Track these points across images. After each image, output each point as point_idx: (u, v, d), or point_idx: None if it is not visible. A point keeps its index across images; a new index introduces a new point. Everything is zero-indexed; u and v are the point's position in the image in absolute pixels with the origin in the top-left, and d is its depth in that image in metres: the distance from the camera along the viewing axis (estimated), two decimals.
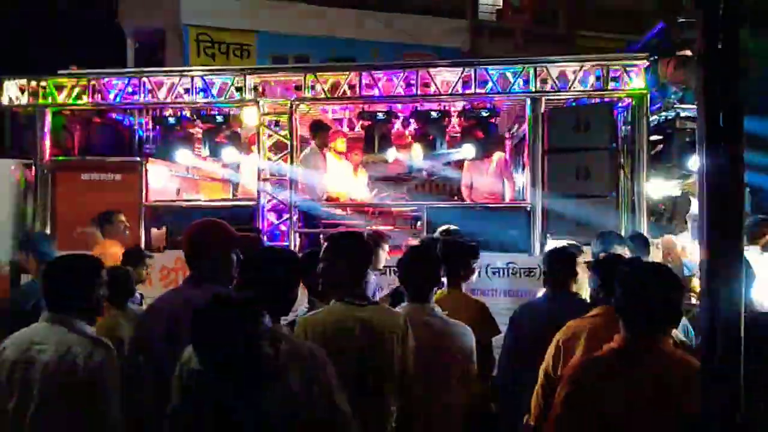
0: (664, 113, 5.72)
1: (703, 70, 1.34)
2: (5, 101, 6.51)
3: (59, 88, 6.51)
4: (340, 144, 7.35)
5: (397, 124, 6.90)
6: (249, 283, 2.15)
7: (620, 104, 6.03)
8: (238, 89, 6.28)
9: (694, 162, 5.57)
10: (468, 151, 6.39)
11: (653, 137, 5.82)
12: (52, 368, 2.26)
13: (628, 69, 5.74)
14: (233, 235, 2.62)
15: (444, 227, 4.94)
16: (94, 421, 2.27)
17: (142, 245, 6.10)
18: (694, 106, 5.85)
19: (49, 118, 6.53)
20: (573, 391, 1.94)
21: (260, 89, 6.32)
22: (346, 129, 7.85)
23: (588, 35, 14.02)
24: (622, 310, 2.03)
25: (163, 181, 6.91)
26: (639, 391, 1.87)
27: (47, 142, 6.52)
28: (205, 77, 6.35)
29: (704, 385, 1.32)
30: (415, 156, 6.63)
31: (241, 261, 2.35)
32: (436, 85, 6.04)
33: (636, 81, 5.74)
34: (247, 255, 2.32)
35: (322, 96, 6.20)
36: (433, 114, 6.32)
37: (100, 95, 6.46)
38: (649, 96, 5.69)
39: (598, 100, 6.06)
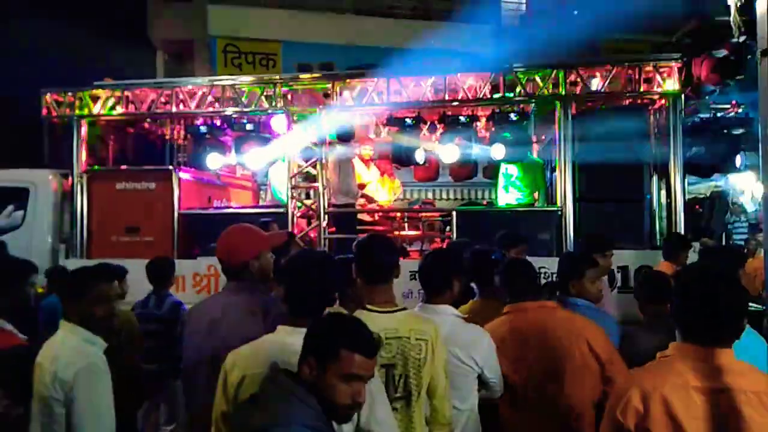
0: (700, 115, 5.61)
1: None
2: (44, 113, 6.70)
3: (94, 99, 6.68)
4: (367, 150, 7.38)
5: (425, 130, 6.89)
6: (286, 286, 2.14)
7: (653, 106, 5.93)
8: (267, 98, 6.36)
9: (739, 161, 5.45)
10: (498, 151, 6.34)
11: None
12: None
13: (660, 70, 5.65)
14: (264, 238, 2.65)
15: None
16: None
17: (175, 253, 6.20)
18: (728, 106, 5.75)
19: (85, 129, 6.70)
20: None
21: (289, 97, 6.39)
22: (372, 135, 7.88)
23: (613, 38, 13.82)
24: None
25: (194, 189, 7.02)
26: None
27: (83, 153, 6.68)
28: (234, 86, 6.45)
29: None
30: (445, 158, 6.60)
31: (279, 264, 2.35)
32: (464, 90, 6.03)
33: (669, 82, 5.65)
34: (286, 258, 2.32)
35: (350, 103, 6.24)
36: (462, 119, 6.30)
37: (133, 106, 6.61)
38: (683, 97, 5.58)
39: (629, 102, 5.97)
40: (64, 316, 2.46)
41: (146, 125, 7.25)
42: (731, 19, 1.72)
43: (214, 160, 6.79)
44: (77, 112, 6.67)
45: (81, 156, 6.66)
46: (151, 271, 4.66)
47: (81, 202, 6.55)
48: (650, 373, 1.90)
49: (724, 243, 6.95)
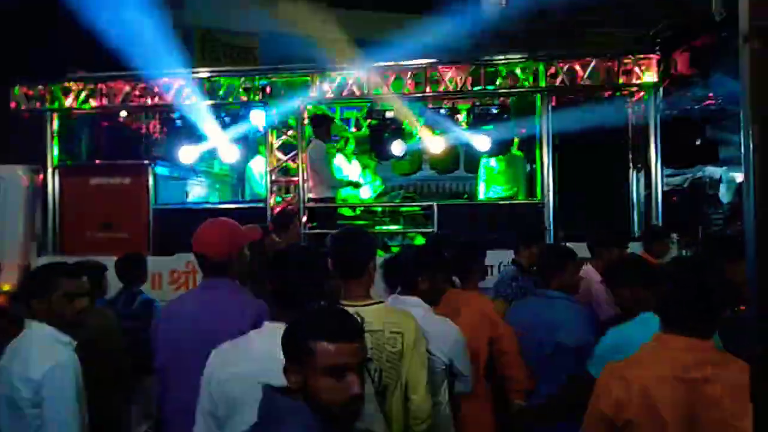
0: (679, 107, 5.67)
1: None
2: (13, 106, 6.50)
3: (66, 92, 6.50)
4: (348, 144, 7.31)
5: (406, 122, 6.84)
6: (278, 281, 2.09)
7: (632, 98, 5.96)
8: (246, 90, 6.25)
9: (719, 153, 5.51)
10: (481, 143, 6.31)
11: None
12: None
13: (639, 62, 5.69)
14: (244, 233, 2.60)
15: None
16: None
17: (150, 248, 6.09)
18: (705, 99, 5.81)
19: (56, 123, 6.52)
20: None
21: (267, 90, 6.29)
22: (353, 129, 7.82)
23: (592, 30, 13.91)
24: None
25: (171, 183, 6.88)
26: None
27: (55, 147, 6.50)
28: (212, 79, 6.33)
29: None
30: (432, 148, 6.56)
31: (273, 258, 2.28)
32: (445, 82, 6.00)
33: (648, 74, 5.69)
34: (276, 253, 2.26)
35: (330, 95, 6.17)
36: (442, 111, 6.27)
37: (107, 99, 6.45)
38: (661, 89, 5.63)
39: (609, 95, 6.01)
40: (30, 315, 2.38)
41: (120, 119, 7.07)
42: (712, 3, 1.70)
43: (187, 154, 6.61)
44: (48, 105, 6.49)
45: (52, 150, 6.49)
46: (120, 268, 4.53)
47: (53, 197, 6.38)
48: (632, 364, 1.91)
49: (700, 235, 7.05)
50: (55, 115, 6.51)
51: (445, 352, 2.56)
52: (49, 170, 6.43)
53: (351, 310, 2.18)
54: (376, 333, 2.26)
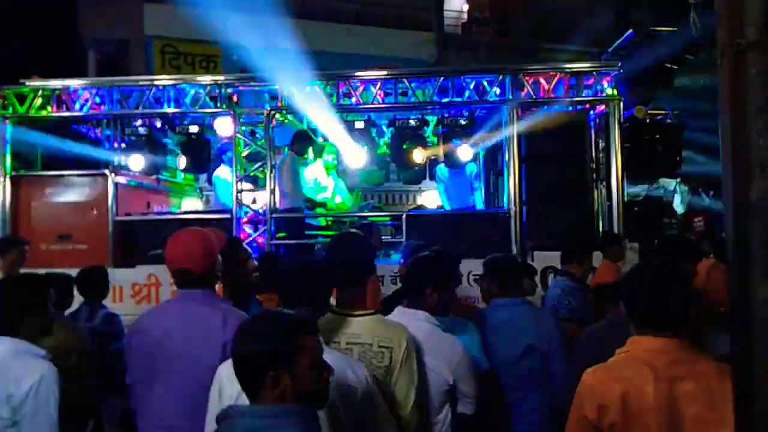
0: (638, 120, 5.89)
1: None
2: None
3: (21, 98, 6.23)
4: (329, 158, 7.26)
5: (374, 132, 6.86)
6: (286, 293, 2.05)
7: (593, 111, 6.16)
8: (212, 98, 6.15)
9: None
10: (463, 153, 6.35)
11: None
12: None
13: (601, 76, 5.89)
14: (216, 244, 2.54)
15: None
16: None
17: (110, 262, 5.86)
18: (663, 112, 6.07)
19: (10, 131, 6.23)
20: None
21: (234, 99, 6.20)
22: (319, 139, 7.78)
23: (551, 47, 14.36)
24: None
25: (132, 194, 6.67)
26: None
27: (8, 155, 6.21)
28: (177, 86, 6.19)
29: None
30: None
31: (280, 271, 2.25)
32: (414, 94, 6.06)
33: (608, 88, 5.90)
34: (282, 266, 2.24)
35: (299, 105, 6.12)
36: (411, 122, 6.31)
37: (65, 106, 6.22)
38: (621, 102, 5.84)
39: (572, 107, 6.18)
40: None
41: (79, 127, 6.82)
42: (690, 19, 1.77)
43: (137, 162, 6.33)
44: (1, 111, 6.20)
45: (5, 159, 6.20)
46: (81, 281, 4.35)
47: (5, 208, 6.09)
48: (610, 367, 1.96)
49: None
50: (8, 122, 6.23)
51: (449, 371, 2.43)
52: (1, 179, 6.14)
53: (342, 318, 2.20)
54: (364, 346, 2.18)
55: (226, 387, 1.88)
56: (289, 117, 6.56)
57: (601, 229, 5.84)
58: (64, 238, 6.00)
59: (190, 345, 2.15)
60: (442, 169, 6.93)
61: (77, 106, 6.24)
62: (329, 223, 6.74)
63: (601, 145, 6.03)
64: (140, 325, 2.48)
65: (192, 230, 2.54)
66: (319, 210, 6.92)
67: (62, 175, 6.27)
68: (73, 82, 6.32)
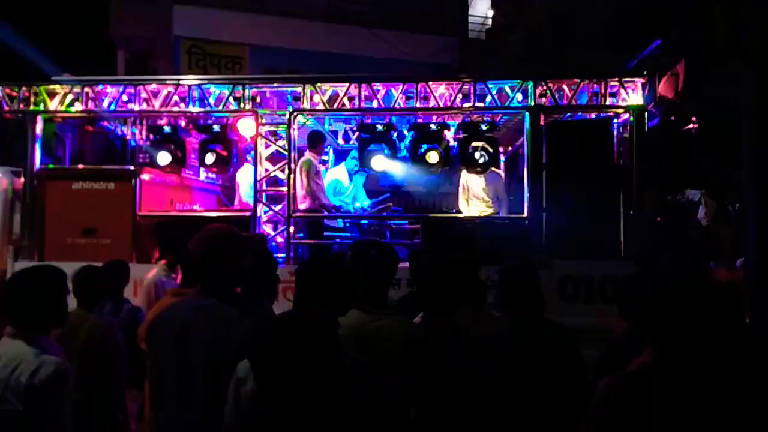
0: (662, 130, 5.79)
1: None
2: None
3: (51, 95, 6.39)
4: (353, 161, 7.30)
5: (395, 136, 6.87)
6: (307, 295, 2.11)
7: (617, 119, 6.08)
8: (236, 99, 6.23)
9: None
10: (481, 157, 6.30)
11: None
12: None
13: (626, 84, 5.82)
14: (244, 241, 2.56)
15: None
16: None
17: (133, 256, 5.98)
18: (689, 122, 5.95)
19: (40, 126, 6.39)
20: None
21: (258, 99, 6.27)
22: (340, 141, 7.82)
23: (576, 55, 14.21)
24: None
25: (156, 191, 6.78)
26: None
27: (38, 150, 6.37)
28: (202, 87, 6.29)
29: None
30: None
31: (299, 276, 2.31)
32: (435, 98, 6.06)
33: (633, 96, 5.82)
34: (301, 270, 2.30)
35: (321, 107, 6.17)
36: (432, 127, 6.31)
37: (93, 103, 6.36)
38: (646, 111, 5.76)
39: (595, 115, 6.12)
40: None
41: (106, 124, 6.97)
42: (716, 30, 1.74)
43: (161, 159, 6.37)
44: (32, 107, 6.37)
45: (35, 153, 6.35)
46: (108, 274, 4.44)
47: (33, 201, 6.24)
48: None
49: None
50: (39, 118, 6.39)
51: None
52: (29, 173, 6.29)
53: (370, 319, 2.30)
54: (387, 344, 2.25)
55: (245, 384, 1.92)
56: (311, 119, 6.61)
57: (622, 238, 5.75)
58: (88, 232, 6.12)
59: (206, 339, 2.17)
60: (463, 174, 6.91)
61: (105, 103, 6.37)
62: (347, 225, 6.77)
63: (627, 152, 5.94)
64: (159, 318, 2.52)
65: (217, 226, 2.58)
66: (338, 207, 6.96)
67: (88, 170, 6.40)
68: (102, 80, 6.45)
